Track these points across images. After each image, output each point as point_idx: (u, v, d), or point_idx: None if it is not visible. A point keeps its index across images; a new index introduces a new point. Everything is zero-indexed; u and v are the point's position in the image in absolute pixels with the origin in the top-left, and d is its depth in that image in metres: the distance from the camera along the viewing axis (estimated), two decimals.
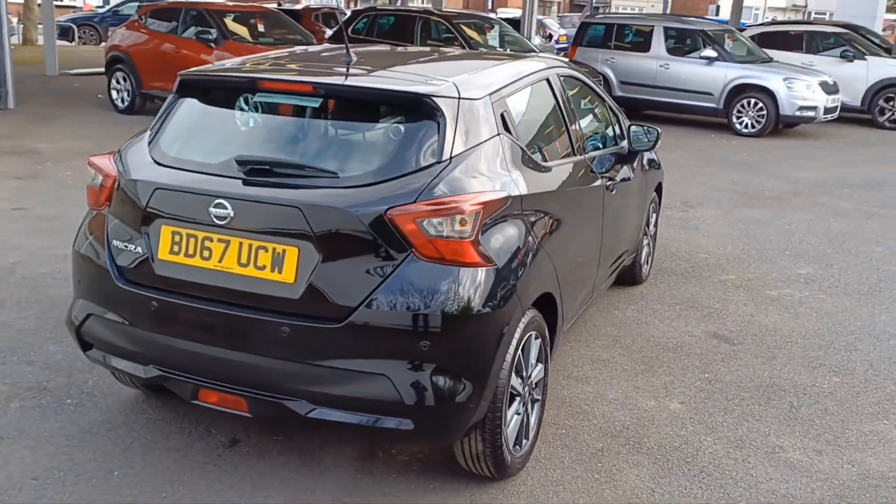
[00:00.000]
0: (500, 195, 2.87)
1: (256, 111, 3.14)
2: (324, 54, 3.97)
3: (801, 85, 12.23)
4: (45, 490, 3.00)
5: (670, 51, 13.23)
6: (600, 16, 14.14)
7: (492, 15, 15.34)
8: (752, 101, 12.44)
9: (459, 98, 2.93)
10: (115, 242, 3.02)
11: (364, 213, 2.65)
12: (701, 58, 12.82)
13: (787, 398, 3.92)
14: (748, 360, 4.34)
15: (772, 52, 13.81)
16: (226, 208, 2.73)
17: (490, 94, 3.10)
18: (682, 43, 13.38)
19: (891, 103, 13.96)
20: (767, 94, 12.29)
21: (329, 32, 15.85)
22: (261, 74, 3.14)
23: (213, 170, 2.89)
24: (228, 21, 11.02)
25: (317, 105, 3.02)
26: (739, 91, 12.53)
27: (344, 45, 3.42)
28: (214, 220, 2.75)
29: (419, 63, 3.68)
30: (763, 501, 3.08)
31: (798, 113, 12.23)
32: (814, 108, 12.26)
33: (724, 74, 12.63)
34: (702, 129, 12.98)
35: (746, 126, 12.52)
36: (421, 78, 3.13)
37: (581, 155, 3.87)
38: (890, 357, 4.46)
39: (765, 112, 12.32)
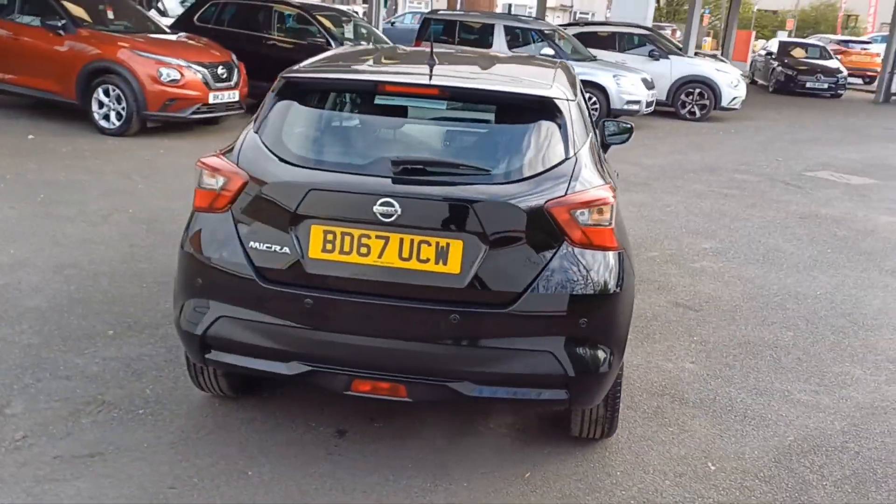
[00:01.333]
0: (614, 186, 3.25)
1: (373, 113, 3.27)
2: (404, 53, 4.11)
3: (627, 81, 13.57)
4: (191, 496, 2.97)
5: (510, 47, 14.08)
6: (442, 12, 14.68)
7: (347, 8, 15.38)
8: (587, 95, 13.56)
9: (568, 99, 3.26)
10: (252, 244, 3.02)
11: (527, 206, 2.91)
12: (540, 55, 13.77)
13: (766, 351, 4.65)
14: (717, 323, 5.05)
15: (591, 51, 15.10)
16: (393, 206, 2.86)
17: (576, 96, 3.46)
18: (519, 40, 14.28)
19: (690, 97, 15.79)
20: (599, 89, 13.49)
21: (152, 12, 15.02)
22: (381, 77, 3.27)
23: (365, 170, 3.00)
24: (72, 6, 10.22)
25: (443, 106, 3.22)
26: None
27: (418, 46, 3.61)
28: (380, 217, 2.87)
29: (497, 65, 3.93)
30: (804, 435, 3.72)
31: (626, 106, 13.54)
32: (638, 102, 13.65)
33: None
34: None
35: None
36: (523, 81, 3.41)
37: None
38: (815, 313, 5.37)
39: (598, 105, 13.52)
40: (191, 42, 10.53)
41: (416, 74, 3.27)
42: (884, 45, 25.14)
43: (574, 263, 2.96)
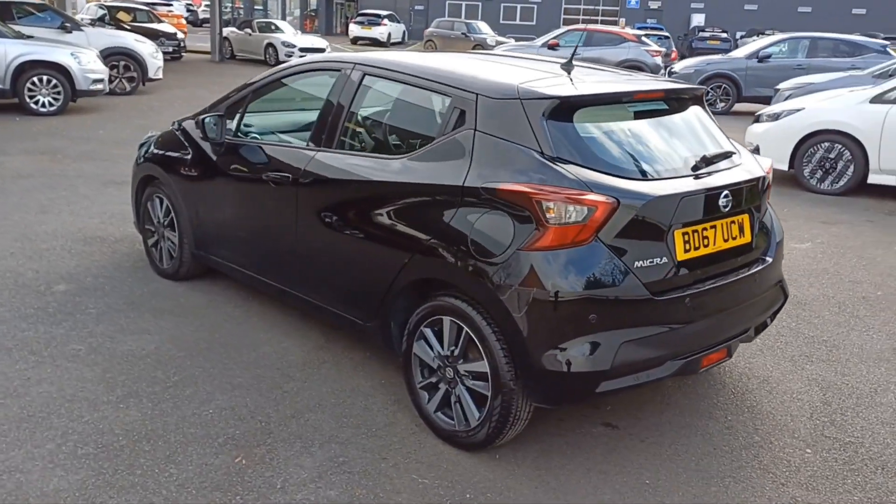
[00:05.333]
0: None
1: (627, 119, 3.46)
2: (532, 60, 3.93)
3: (87, 58, 12.33)
4: None
5: None
6: None
7: None
8: (45, 78, 11.89)
9: None
10: (636, 264, 3.09)
11: (764, 178, 3.69)
12: None
13: None
14: None
15: None
16: (729, 197, 3.34)
17: None
18: None
19: (116, 71, 14.88)
20: (59, 69, 11.95)
21: None
22: (632, 87, 3.49)
23: (687, 170, 3.33)
24: None
25: (663, 106, 3.61)
26: (27, 68, 11.77)
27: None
28: (722, 209, 3.32)
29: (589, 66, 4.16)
30: None
31: (92, 86, 12.35)
32: (102, 80, 12.57)
33: (5, 52, 11.60)
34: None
35: (44, 105, 11.95)
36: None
37: None
38: None
39: (60, 88, 12.00)
40: None
41: (639, 81, 3.62)
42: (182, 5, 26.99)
43: (773, 215, 3.89)
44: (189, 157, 4.81)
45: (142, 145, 5.45)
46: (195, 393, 3.74)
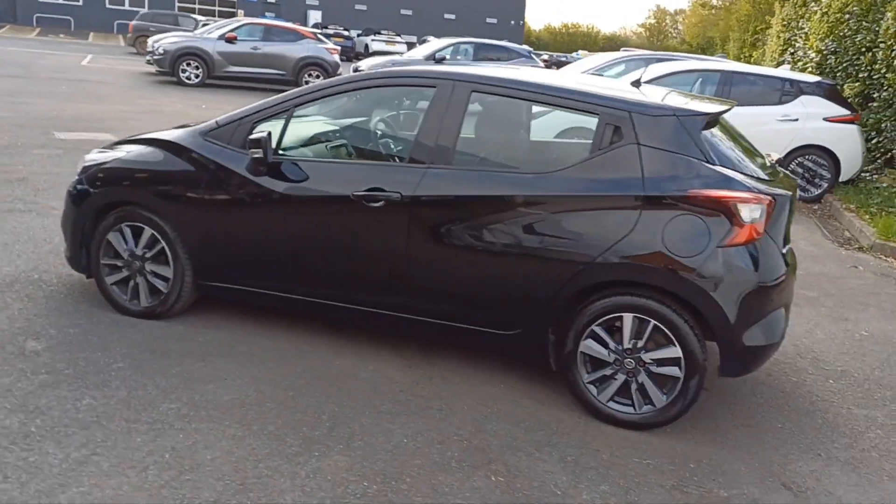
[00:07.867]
0: None
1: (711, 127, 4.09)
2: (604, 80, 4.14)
3: None
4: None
5: None
6: None
7: None
8: None
9: None
10: (783, 249, 3.80)
11: None
12: None
13: None
14: None
15: None
16: None
17: None
18: None
19: None
20: None
21: None
22: (724, 105, 4.11)
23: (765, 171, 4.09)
24: None
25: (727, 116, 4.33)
26: None
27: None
28: None
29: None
30: None
31: None
32: None
33: None
34: None
35: None
36: None
37: None
38: None
39: None
40: None
41: (712, 100, 4.29)
42: None
43: None
44: (206, 176, 4.29)
45: (87, 167, 4.62)
46: (366, 428, 3.56)
